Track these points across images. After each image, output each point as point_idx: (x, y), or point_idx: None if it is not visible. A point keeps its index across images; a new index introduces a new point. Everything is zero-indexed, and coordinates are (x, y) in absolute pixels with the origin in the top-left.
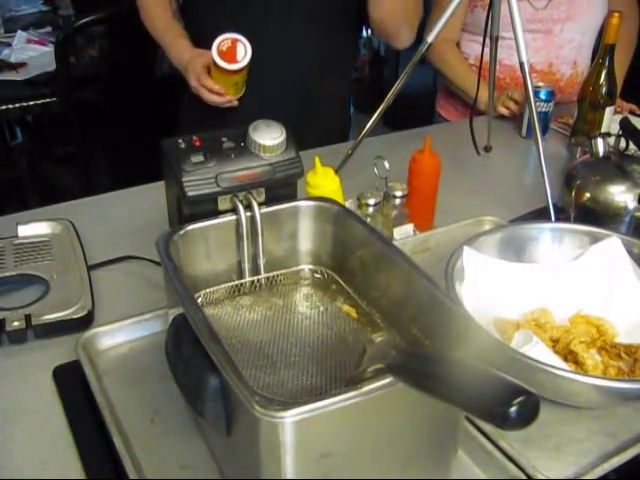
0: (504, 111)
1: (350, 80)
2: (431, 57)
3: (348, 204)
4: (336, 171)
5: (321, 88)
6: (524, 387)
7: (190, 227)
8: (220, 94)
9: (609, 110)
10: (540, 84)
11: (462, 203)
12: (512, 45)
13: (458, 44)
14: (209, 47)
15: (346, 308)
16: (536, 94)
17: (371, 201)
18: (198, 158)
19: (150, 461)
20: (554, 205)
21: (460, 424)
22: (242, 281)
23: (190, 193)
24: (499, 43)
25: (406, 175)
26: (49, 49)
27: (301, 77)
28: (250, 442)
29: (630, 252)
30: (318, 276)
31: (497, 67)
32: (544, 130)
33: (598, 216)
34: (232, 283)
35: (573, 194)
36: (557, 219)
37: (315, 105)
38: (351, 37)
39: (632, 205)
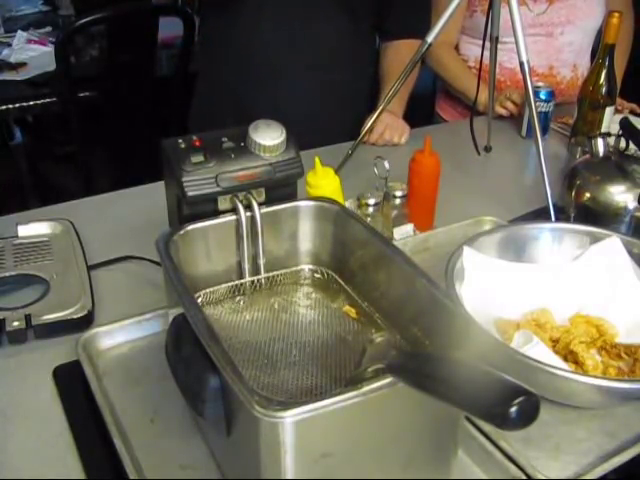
0: (502, 111)
1: (367, 84)
2: (429, 61)
3: (348, 204)
4: (336, 171)
5: (338, 90)
6: (524, 387)
7: (190, 227)
8: None
9: (609, 110)
10: (540, 84)
11: (462, 203)
12: (513, 49)
13: (457, 47)
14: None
15: (346, 308)
16: (536, 94)
17: (371, 201)
18: (198, 158)
19: (150, 461)
20: (554, 205)
21: (460, 424)
22: (242, 281)
23: (190, 193)
24: (500, 47)
25: (406, 175)
26: (49, 49)
27: (318, 77)
28: (250, 442)
29: (630, 252)
30: (318, 276)
31: (498, 70)
32: (544, 130)
33: (598, 216)
34: (232, 283)
35: (573, 194)
36: (557, 219)
37: (330, 106)
38: (369, 38)
39: (632, 205)
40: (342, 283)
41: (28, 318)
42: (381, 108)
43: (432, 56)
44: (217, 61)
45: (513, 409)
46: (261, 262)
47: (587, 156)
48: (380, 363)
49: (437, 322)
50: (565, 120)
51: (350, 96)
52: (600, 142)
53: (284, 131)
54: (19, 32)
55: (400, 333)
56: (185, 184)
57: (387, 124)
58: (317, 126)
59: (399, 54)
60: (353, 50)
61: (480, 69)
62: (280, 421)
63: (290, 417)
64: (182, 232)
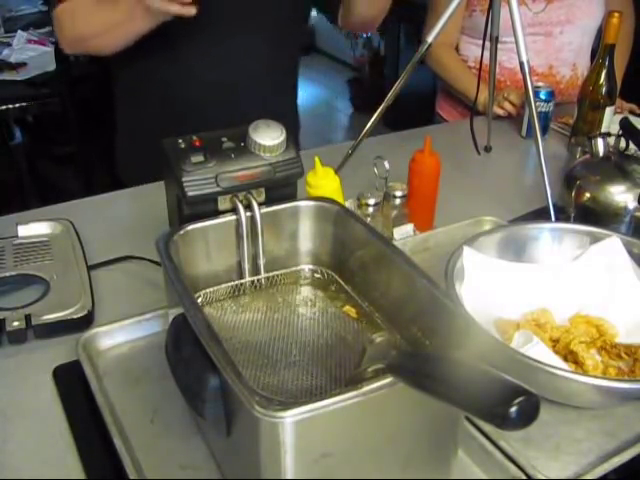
0: (499, 111)
1: (294, 95)
2: (428, 61)
3: (348, 204)
4: (336, 171)
5: (262, 102)
6: (524, 387)
7: (190, 227)
8: None
9: (609, 110)
10: (540, 84)
11: (462, 203)
12: (513, 49)
13: (457, 47)
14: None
15: (346, 308)
16: (536, 94)
17: (371, 201)
18: (198, 158)
19: (150, 461)
20: (554, 205)
21: (460, 424)
22: (242, 281)
23: (190, 193)
24: (499, 47)
25: (406, 175)
26: (49, 49)
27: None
28: (250, 442)
29: (630, 252)
30: (318, 276)
31: (497, 70)
32: (544, 130)
33: (598, 216)
34: (232, 283)
35: (573, 194)
36: (557, 219)
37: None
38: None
39: (632, 205)
40: (342, 283)
41: (28, 318)
42: (381, 108)
43: (432, 56)
44: (138, 95)
45: (513, 409)
46: (261, 262)
47: (587, 156)
48: (380, 363)
49: (437, 322)
50: (565, 120)
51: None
52: (600, 142)
53: (284, 131)
54: (19, 32)
55: (400, 333)
56: (185, 184)
57: None
58: None
59: None
60: (276, 76)
61: (480, 68)
62: (280, 421)
63: (290, 417)
64: (182, 232)
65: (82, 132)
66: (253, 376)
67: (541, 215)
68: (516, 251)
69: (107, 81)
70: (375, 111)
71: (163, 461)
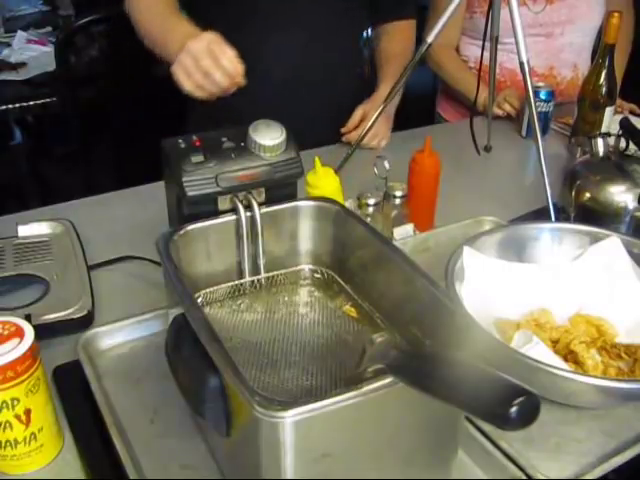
0: (498, 112)
1: (353, 86)
2: (429, 62)
3: (348, 204)
4: (336, 171)
5: (324, 90)
6: (524, 387)
7: (190, 227)
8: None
9: (609, 110)
10: (540, 84)
11: (462, 203)
12: (513, 49)
13: (458, 48)
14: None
15: (346, 308)
16: (536, 94)
17: (371, 201)
18: (198, 158)
19: (150, 461)
20: (554, 205)
21: (460, 424)
22: (242, 281)
23: (190, 193)
24: (500, 47)
25: (406, 175)
26: (49, 49)
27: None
28: (250, 442)
29: (630, 252)
30: (318, 276)
31: (498, 70)
32: (544, 130)
33: (598, 216)
34: (232, 283)
35: (573, 194)
36: (557, 219)
37: (317, 104)
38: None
39: (632, 205)
40: (342, 283)
41: (28, 318)
42: (381, 108)
43: (432, 58)
44: None
45: (513, 409)
46: (261, 262)
47: (587, 156)
48: (380, 363)
49: (437, 322)
50: (565, 120)
51: (333, 103)
52: (600, 142)
53: (284, 131)
54: (19, 32)
55: (400, 333)
56: (185, 184)
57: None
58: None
59: (393, 40)
60: (338, 55)
61: (480, 69)
62: (280, 421)
63: (290, 417)
64: (182, 232)
65: (83, 132)
66: (253, 376)
67: (541, 215)
68: (516, 251)
69: (115, 81)
70: (376, 111)
71: (163, 461)
